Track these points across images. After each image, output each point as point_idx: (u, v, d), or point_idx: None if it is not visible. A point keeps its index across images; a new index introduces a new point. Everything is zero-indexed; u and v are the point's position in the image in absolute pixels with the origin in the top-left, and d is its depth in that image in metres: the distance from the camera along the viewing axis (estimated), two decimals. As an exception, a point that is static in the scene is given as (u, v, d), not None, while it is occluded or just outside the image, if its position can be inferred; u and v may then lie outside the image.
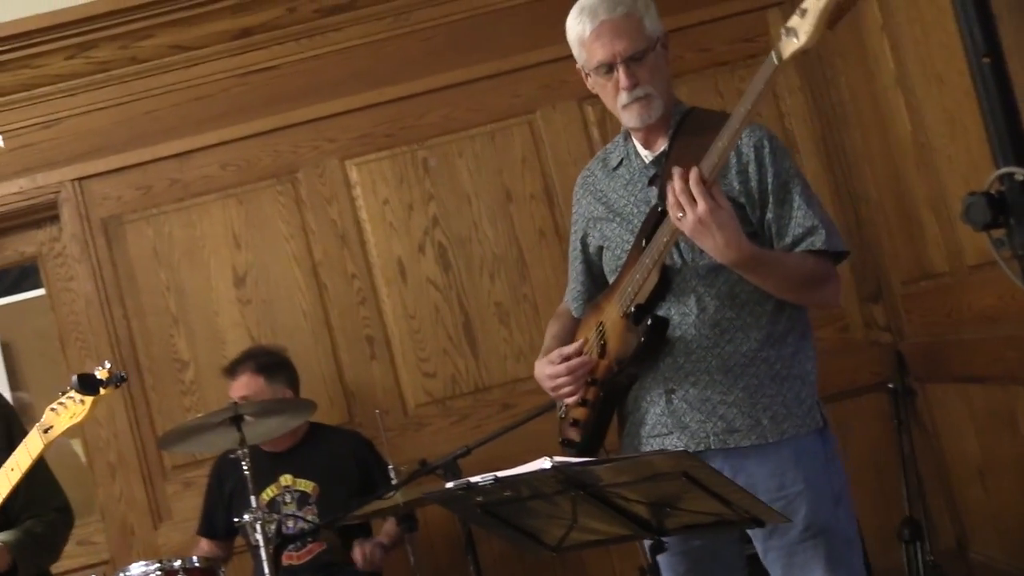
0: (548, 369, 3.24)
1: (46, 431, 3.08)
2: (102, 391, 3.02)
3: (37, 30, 4.95)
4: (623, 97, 3.14)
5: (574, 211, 3.46)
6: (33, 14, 4.95)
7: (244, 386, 4.55)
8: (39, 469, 3.41)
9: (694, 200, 2.87)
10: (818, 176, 5.15)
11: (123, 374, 3.06)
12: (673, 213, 2.91)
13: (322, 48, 5.13)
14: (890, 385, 5.02)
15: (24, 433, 3.31)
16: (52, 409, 3.10)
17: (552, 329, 3.48)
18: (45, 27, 4.95)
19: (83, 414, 3.06)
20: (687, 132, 3.17)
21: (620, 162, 3.29)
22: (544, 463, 2.63)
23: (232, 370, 4.63)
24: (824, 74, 5.11)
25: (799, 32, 2.71)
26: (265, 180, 5.16)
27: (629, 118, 3.18)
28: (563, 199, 4.99)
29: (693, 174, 2.88)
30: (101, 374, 3.01)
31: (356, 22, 5.13)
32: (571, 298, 3.47)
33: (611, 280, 3.30)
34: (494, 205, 5.17)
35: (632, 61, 3.11)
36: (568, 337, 3.39)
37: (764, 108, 5.12)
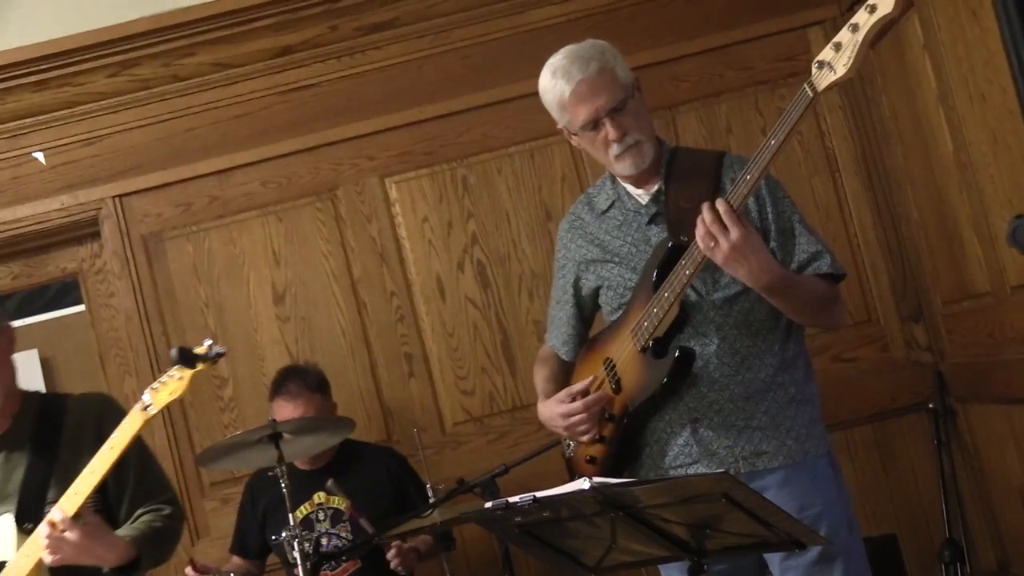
0: (560, 408, 3.29)
1: (145, 408, 3.09)
2: (200, 365, 3.03)
3: (79, 48, 4.98)
4: (614, 149, 3.23)
5: (559, 255, 3.50)
6: (76, 32, 4.98)
7: (305, 404, 4.54)
8: (150, 462, 3.46)
9: (726, 229, 2.93)
10: (859, 195, 5.14)
11: (221, 350, 3.07)
12: (705, 244, 2.97)
13: (363, 66, 5.14)
14: (931, 405, 4.98)
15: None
16: (152, 388, 3.13)
17: (542, 373, 3.53)
18: (87, 45, 4.98)
19: (181, 390, 3.10)
20: (680, 171, 3.26)
21: (611, 205, 3.34)
22: (583, 484, 2.62)
23: (285, 389, 4.60)
24: (865, 92, 5.09)
25: (835, 66, 2.77)
26: (305, 197, 5.17)
27: (623, 167, 3.26)
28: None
29: (723, 205, 2.95)
30: (199, 349, 3.03)
31: (396, 40, 5.14)
32: (560, 342, 3.51)
33: (611, 319, 3.35)
34: (533, 223, 5.16)
35: (615, 113, 3.20)
36: (562, 379, 3.48)
37: (804, 127, 5.11)
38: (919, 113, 4.61)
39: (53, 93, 5.04)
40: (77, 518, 3.12)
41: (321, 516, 4.60)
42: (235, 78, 5.13)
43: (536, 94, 5.00)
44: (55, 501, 3.23)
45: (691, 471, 3.16)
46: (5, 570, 3.19)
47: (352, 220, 5.16)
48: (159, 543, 3.34)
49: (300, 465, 4.62)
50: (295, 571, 3.96)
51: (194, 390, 4.94)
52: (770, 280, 3.02)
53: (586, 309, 3.45)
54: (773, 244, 3.20)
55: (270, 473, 4.12)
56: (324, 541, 4.51)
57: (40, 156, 5.09)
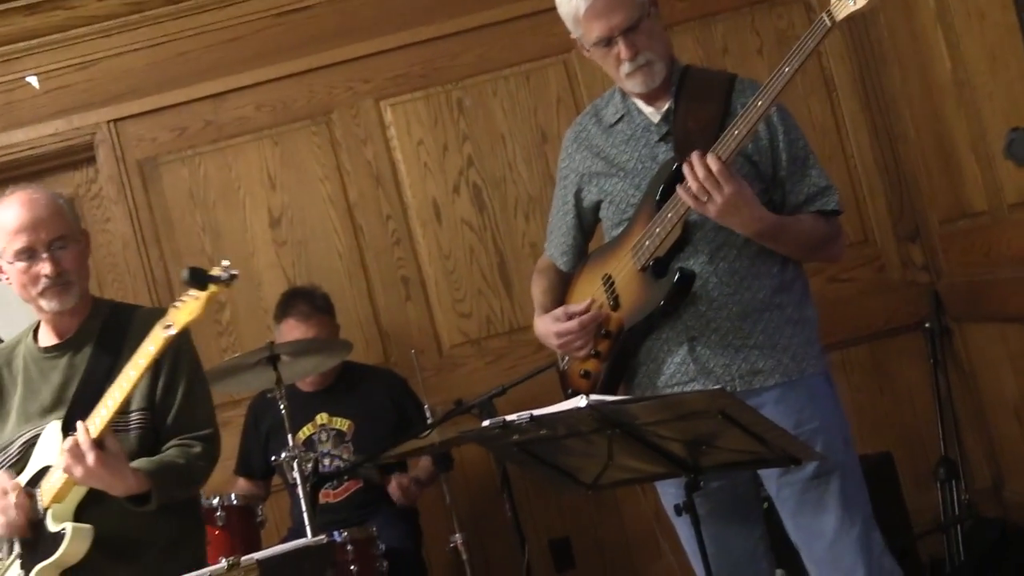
0: (555, 327, 3.30)
1: (167, 327, 3.08)
2: (211, 287, 2.99)
3: (71, -30, 4.96)
4: (625, 67, 3.22)
5: (563, 165, 3.49)
6: (66, -45, 4.96)
7: (317, 325, 4.58)
8: (200, 395, 3.41)
9: (719, 185, 2.98)
10: (856, 115, 5.13)
11: (235, 272, 3.05)
12: (697, 201, 3.01)
13: (357, -13, 5.12)
14: (927, 325, 5.00)
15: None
16: (174, 306, 3.07)
17: (540, 284, 3.53)
18: (79, -33, 4.96)
19: (198, 310, 3.02)
20: (691, 90, 3.25)
21: (619, 118, 3.32)
22: (580, 401, 2.64)
23: (296, 310, 4.62)
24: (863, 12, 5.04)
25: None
26: (300, 121, 5.15)
27: (634, 85, 3.26)
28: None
29: (715, 163, 2.98)
30: (215, 271, 3.01)
31: (390, -40, 5.11)
32: (558, 252, 3.51)
33: (612, 233, 3.34)
34: (529, 146, 5.15)
35: (629, 31, 3.18)
36: (559, 290, 3.48)
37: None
38: (917, 32, 4.58)
39: (45, 16, 5.01)
40: (99, 442, 3.09)
41: (324, 437, 4.64)
42: (229, 1, 5.09)
43: (532, 15, 5.06)
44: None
45: (687, 389, 3.17)
46: (47, 475, 3.20)
47: (347, 143, 5.15)
48: (176, 481, 3.27)
49: (302, 387, 4.65)
50: (296, 490, 4.00)
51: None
52: (761, 227, 3.09)
53: (586, 221, 3.44)
54: (783, 173, 3.21)
55: (269, 395, 4.14)
56: (326, 462, 4.55)
57: (34, 80, 5.07)
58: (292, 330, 4.57)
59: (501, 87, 5.16)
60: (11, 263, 3.26)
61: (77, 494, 3.21)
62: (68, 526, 3.17)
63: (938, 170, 4.73)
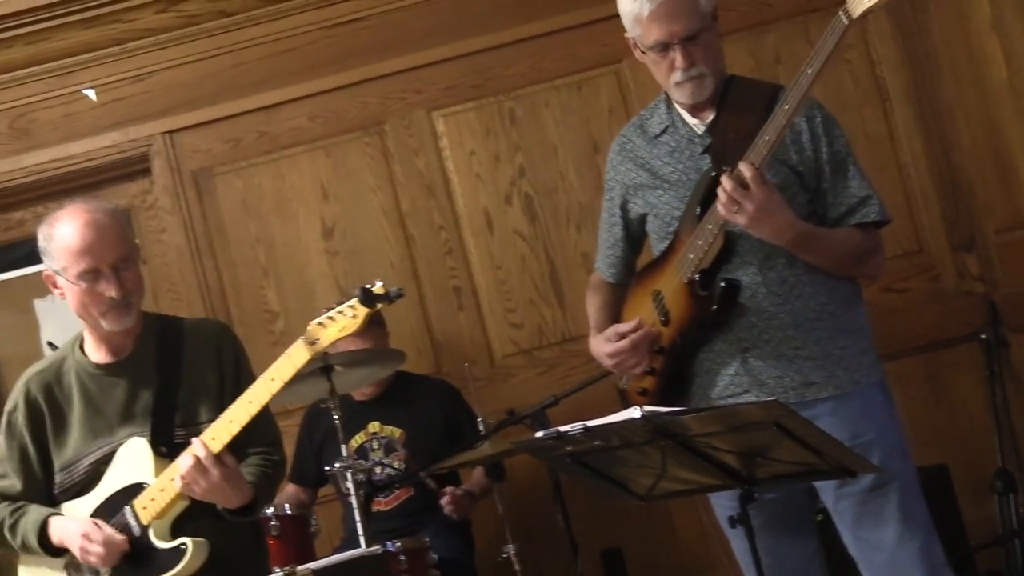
0: (607, 347, 3.30)
1: (312, 343, 3.10)
2: (379, 305, 3.03)
3: (127, -16, 5.02)
4: (678, 75, 3.20)
5: (608, 177, 3.48)
6: (123, -31, 5.01)
7: (369, 337, 4.59)
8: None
9: (748, 192, 2.97)
10: (909, 124, 5.09)
11: (400, 290, 3.07)
12: (728, 211, 3.00)
13: (409, -1, 5.14)
14: (983, 336, 4.95)
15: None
16: (319, 323, 3.09)
17: (594, 302, 3.52)
18: (135, -19, 5.02)
19: (354, 327, 3.05)
20: (734, 100, 3.23)
21: (664, 130, 3.31)
22: (634, 412, 2.64)
23: None
24: (916, 20, 5.01)
25: None
26: (352, 132, 5.18)
27: (682, 95, 3.25)
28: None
29: (748, 169, 2.97)
30: (377, 289, 3.02)
31: (443, -28, 5.13)
32: (606, 265, 3.51)
33: (659, 247, 3.33)
34: (580, 156, 5.15)
35: (688, 41, 3.16)
36: (614, 307, 3.46)
37: (854, 56, 5.06)
38: (972, 40, 4.55)
39: (102, 30, 5.07)
40: (219, 457, 3.11)
41: (375, 445, 4.66)
42: (282, 13, 5.13)
43: (584, 25, 5.07)
44: (182, 425, 3.26)
45: (740, 401, 3.15)
46: (146, 492, 3.21)
47: (400, 154, 5.17)
48: (270, 489, 3.35)
49: (356, 396, 4.68)
50: (349, 499, 4.01)
51: (246, 324, 5.06)
52: (792, 235, 3.07)
53: (633, 233, 3.43)
54: (825, 184, 3.18)
55: (323, 405, 4.16)
56: (377, 470, 4.56)
57: (91, 93, 5.13)
58: (345, 343, 4.58)
59: (553, 97, 5.17)
60: (73, 283, 3.23)
61: (178, 508, 3.23)
62: (188, 542, 3.18)
63: (994, 179, 4.69)
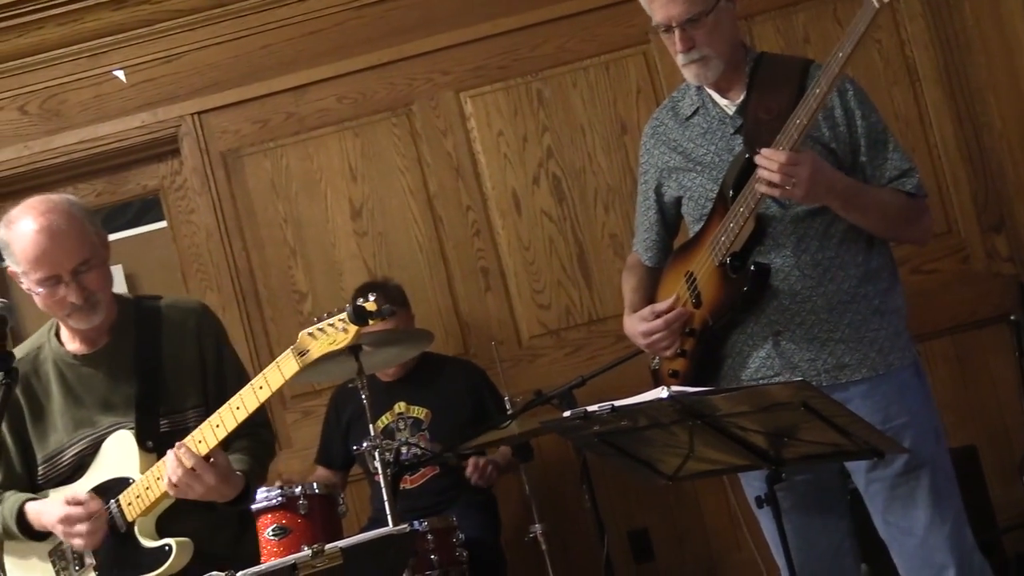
0: (641, 326, 3.30)
1: (301, 354, 3.10)
2: (371, 323, 3.03)
3: (156, -35, 5.03)
4: (680, 58, 3.21)
5: (643, 160, 3.48)
6: (152, -51, 5.02)
7: (396, 319, 4.60)
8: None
9: (795, 166, 2.96)
10: (940, 105, 5.05)
11: (392, 309, 3.07)
12: (782, 188, 2.99)
13: (437, -20, 5.14)
14: (1012, 317, 4.91)
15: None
16: (309, 334, 3.09)
17: (630, 282, 3.51)
18: (164, -38, 5.03)
19: (344, 343, 3.05)
20: (764, 79, 3.21)
21: (695, 111, 3.30)
22: (661, 392, 2.63)
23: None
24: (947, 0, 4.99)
25: None
26: (380, 113, 5.18)
27: (688, 76, 3.25)
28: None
29: (780, 155, 2.96)
30: (369, 305, 3.01)
31: (470, -48, 5.12)
32: (643, 248, 3.50)
33: (694, 229, 3.32)
34: (608, 136, 5.14)
35: (689, 24, 3.15)
36: (649, 287, 3.45)
37: (884, 36, 5.03)
38: (1004, 20, 4.53)
39: (131, 11, 5.08)
40: (208, 459, 3.11)
41: (401, 425, 4.67)
42: (309, -7, 5.14)
43: (611, 5, 5.05)
44: (167, 415, 3.26)
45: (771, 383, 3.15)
46: (132, 488, 3.21)
47: (428, 135, 5.17)
48: (261, 473, 3.39)
49: (382, 376, 4.69)
50: (376, 479, 4.02)
51: (274, 304, 5.08)
52: (844, 190, 3.06)
53: (669, 216, 3.42)
54: (863, 158, 3.17)
55: (350, 385, 4.17)
56: (404, 450, 4.58)
57: (120, 74, 5.14)
58: (380, 324, 4.59)
59: (581, 78, 5.15)
60: (34, 288, 3.17)
61: (162, 507, 3.23)
62: (172, 542, 3.19)
63: (1025, 160, 4.67)
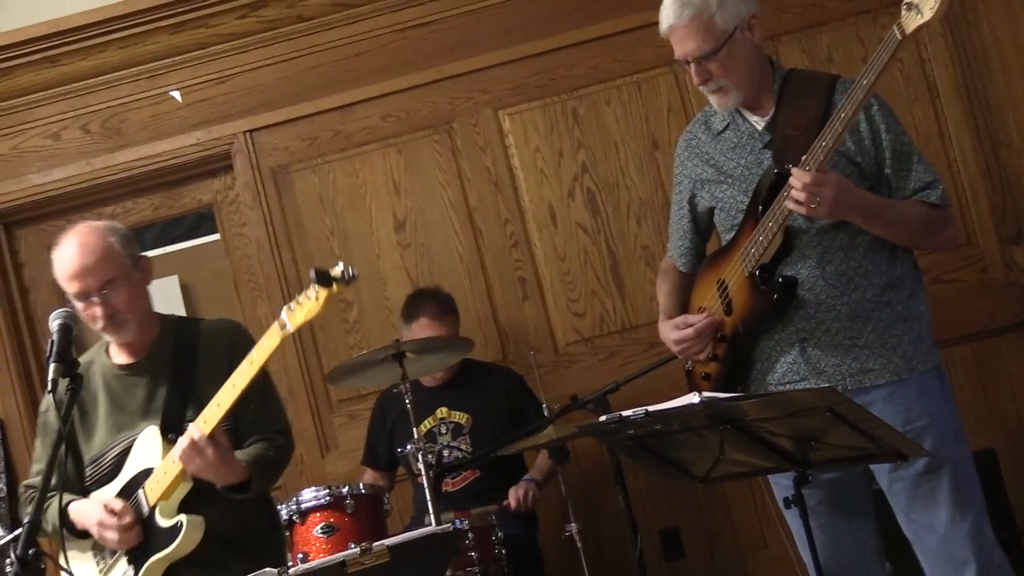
0: (674, 334, 3.32)
1: (283, 327, 3.17)
2: (335, 286, 3.08)
3: (213, -10, 5.07)
4: (701, 88, 3.24)
5: (677, 171, 3.49)
6: (208, -24, 5.06)
7: (447, 325, 4.68)
8: (272, 392, 3.56)
9: (819, 186, 2.97)
10: (959, 121, 5.03)
11: (355, 272, 3.13)
12: (808, 207, 3.00)
13: (476, 3, 5.14)
14: (1030, 325, 4.90)
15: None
16: (289, 308, 3.17)
17: (664, 287, 3.53)
18: (220, -12, 5.07)
19: (317, 310, 3.12)
20: (792, 95, 3.21)
21: (726, 126, 3.30)
22: (693, 398, 2.64)
23: (429, 310, 4.69)
24: (966, 19, 4.96)
25: (922, 8, 2.79)
26: (423, 130, 5.20)
27: (712, 102, 3.28)
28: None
29: (805, 176, 2.97)
30: (335, 271, 3.08)
31: (509, -23, 5.13)
32: (678, 254, 3.51)
33: (726, 238, 3.33)
34: (641, 152, 5.14)
35: (703, 59, 3.17)
36: (682, 292, 3.47)
37: (905, 55, 5.00)
38: (1021, 40, 4.51)
39: (187, 35, 5.12)
40: (211, 436, 3.21)
41: (443, 430, 4.68)
42: (356, 17, 5.16)
43: (643, 27, 5.04)
44: (193, 418, 3.33)
45: (798, 388, 3.14)
46: (152, 475, 3.32)
47: (468, 151, 5.18)
48: (268, 471, 3.45)
49: (425, 382, 4.70)
50: (419, 480, 4.03)
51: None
52: (865, 207, 3.06)
53: (702, 225, 3.43)
54: (887, 170, 3.16)
55: (395, 390, 4.18)
56: (445, 453, 4.59)
57: (176, 95, 5.18)
58: (424, 329, 4.62)
59: (614, 96, 5.16)
60: (71, 301, 3.37)
61: (182, 491, 3.33)
62: (183, 518, 3.28)
63: (1042, 175, 4.64)
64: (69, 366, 2.82)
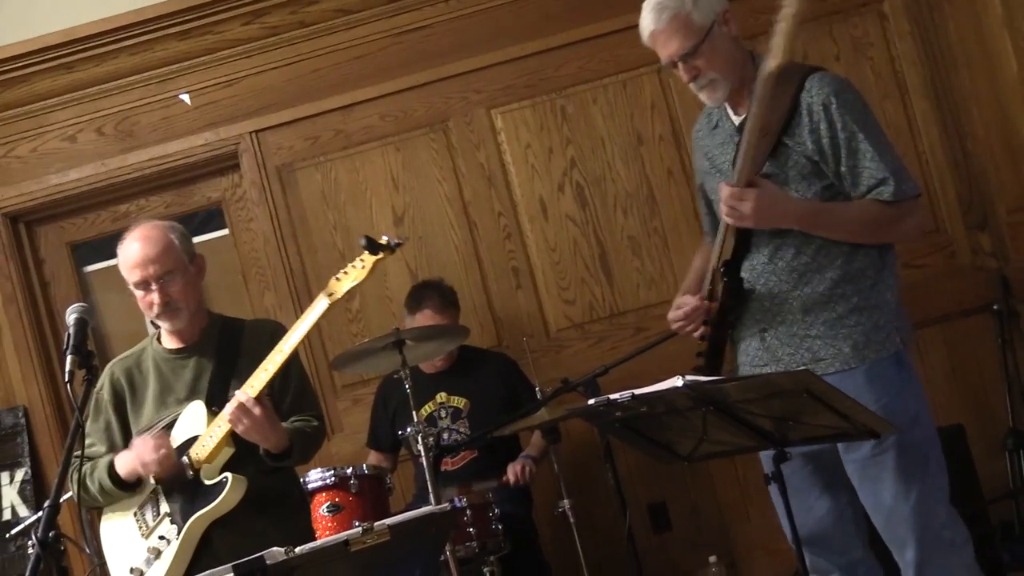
0: (670, 315, 3.33)
1: (331, 295, 3.27)
2: (381, 254, 3.18)
3: (218, 0, 5.04)
4: (692, 86, 3.19)
5: (693, 159, 3.51)
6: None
7: (449, 315, 4.70)
8: (308, 382, 3.67)
9: (741, 199, 3.02)
10: (927, 115, 5.03)
11: (399, 240, 3.26)
12: (732, 216, 3.06)
13: (469, 8, 5.12)
14: (995, 307, 4.90)
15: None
16: (336, 278, 3.26)
17: (695, 263, 3.51)
18: (226, -4, 5.05)
19: (363, 276, 3.22)
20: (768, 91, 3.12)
21: (717, 122, 3.29)
22: (677, 382, 2.64)
23: (433, 302, 4.69)
24: (933, 19, 4.95)
25: (771, 55, 2.86)
26: (420, 129, 5.18)
27: (704, 99, 3.23)
28: (689, 140, 4.91)
29: (726, 190, 3.04)
30: (382, 240, 3.19)
31: (500, -18, 5.12)
32: (706, 231, 3.50)
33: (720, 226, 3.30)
34: (626, 147, 5.13)
35: (687, 56, 3.13)
36: (703, 267, 3.43)
37: (876, 54, 5.00)
38: (985, 37, 4.49)
39: (195, 41, 5.10)
40: (259, 399, 3.29)
41: (443, 413, 4.67)
42: (355, 22, 5.14)
43: (628, 29, 4.84)
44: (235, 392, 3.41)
45: (763, 372, 3.15)
46: (198, 441, 3.40)
47: (462, 148, 5.17)
48: (306, 444, 3.50)
49: (425, 368, 4.69)
50: (420, 461, 4.03)
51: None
52: (798, 217, 3.06)
53: (715, 207, 3.35)
54: (843, 167, 3.07)
55: (396, 376, 4.18)
56: (445, 436, 4.59)
57: (186, 98, 5.16)
58: (428, 319, 4.63)
59: (600, 95, 5.15)
60: (133, 292, 3.50)
61: (225, 455, 3.40)
62: (228, 474, 3.37)
63: (1005, 164, 4.64)
64: (85, 358, 2.84)
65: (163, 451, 3.38)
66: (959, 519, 3.16)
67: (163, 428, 3.48)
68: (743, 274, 3.18)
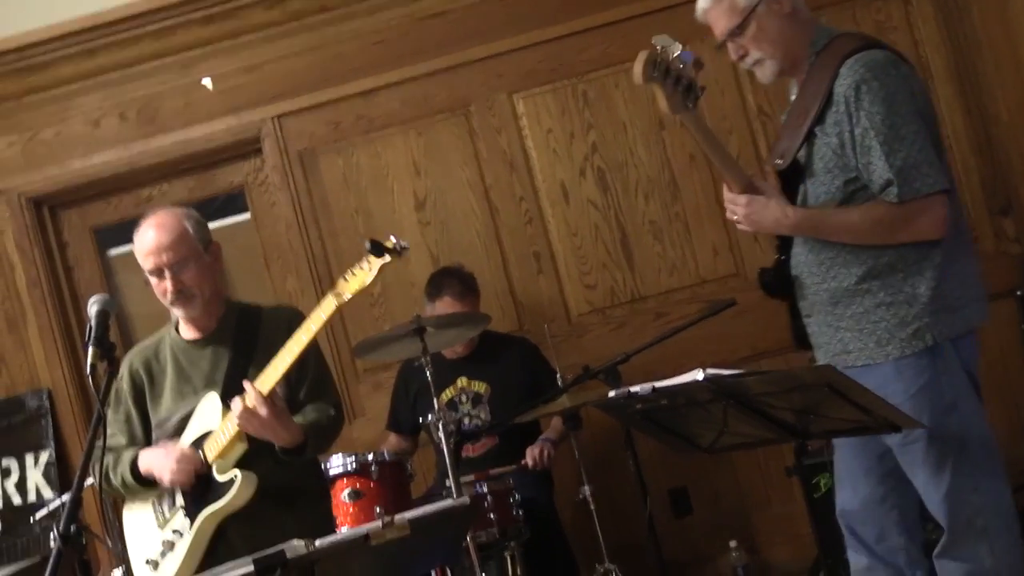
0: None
1: (338, 295, 3.21)
2: (387, 257, 3.12)
3: (241, -17, 5.04)
4: (741, 64, 3.15)
5: None
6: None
7: (470, 303, 4.68)
8: (326, 370, 3.61)
9: (735, 206, 3.06)
10: (951, 101, 4.97)
11: (406, 243, 3.17)
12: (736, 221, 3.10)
13: (490, -8, 5.10)
14: (1018, 292, 4.83)
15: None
16: (344, 279, 3.21)
17: None
18: (248, -20, 5.03)
19: (370, 279, 3.17)
20: (817, 69, 3.06)
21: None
22: (698, 375, 2.61)
23: (453, 289, 4.67)
24: (956, 2, 4.89)
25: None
26: (441, 114, 5.16)
27: (758, 77, 3.19)
28: (712, 124, 4.88)
29: (726, 194, 3.08)
30: (388, 243, 3.12)
31: (522, -33, 5.08)
32: None
33: None
34: (648, 132, 5.09)
35: (734, 36, 3.10)
36: None
37: (899, 38, 4.93)
38: (1010, 20, 4.44)
39: (218, 26, 5.09)
40: (268, 397, 3.24)
41: (464, 399, 4.66)
42: (377, 7, 5.12)
43: (649, 13, 5.01)
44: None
45: (817, 354, 3.14)
46: (211, 436, 3.37)
47: (484, 133, 5.14)
48: (322, 436, 3.46)
49: (446, 354, 4.68)
50: (441, 447, 4.02)
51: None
52: (792, 225, 3.05)
53: None
54: (860, 163, 2.98)
55: (417, 363, 4.17)
56: (465, 421, 4.58)
57: (208, 83, 5.15)
58: (447, 307, 4.61)
59: (622, 79, 5.10)
60: (148, 279, 3.48)
61: (238, 451, 3.36)
62: (238, 472, 3.32)
63: (1030, 150, 4.58)
64: (107, 350, 2.83)
65: (185, 470, 3.35)
66: (1004, 507, 3.07)
67: (179, 420, 3.47)
68: (792, 260, 3.16)
